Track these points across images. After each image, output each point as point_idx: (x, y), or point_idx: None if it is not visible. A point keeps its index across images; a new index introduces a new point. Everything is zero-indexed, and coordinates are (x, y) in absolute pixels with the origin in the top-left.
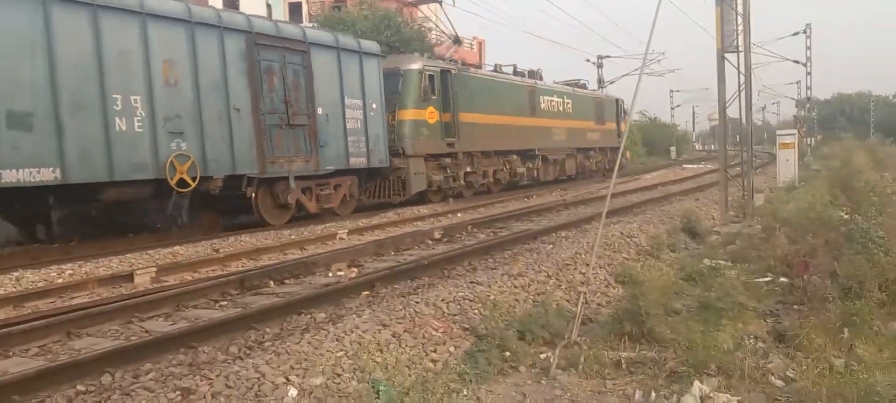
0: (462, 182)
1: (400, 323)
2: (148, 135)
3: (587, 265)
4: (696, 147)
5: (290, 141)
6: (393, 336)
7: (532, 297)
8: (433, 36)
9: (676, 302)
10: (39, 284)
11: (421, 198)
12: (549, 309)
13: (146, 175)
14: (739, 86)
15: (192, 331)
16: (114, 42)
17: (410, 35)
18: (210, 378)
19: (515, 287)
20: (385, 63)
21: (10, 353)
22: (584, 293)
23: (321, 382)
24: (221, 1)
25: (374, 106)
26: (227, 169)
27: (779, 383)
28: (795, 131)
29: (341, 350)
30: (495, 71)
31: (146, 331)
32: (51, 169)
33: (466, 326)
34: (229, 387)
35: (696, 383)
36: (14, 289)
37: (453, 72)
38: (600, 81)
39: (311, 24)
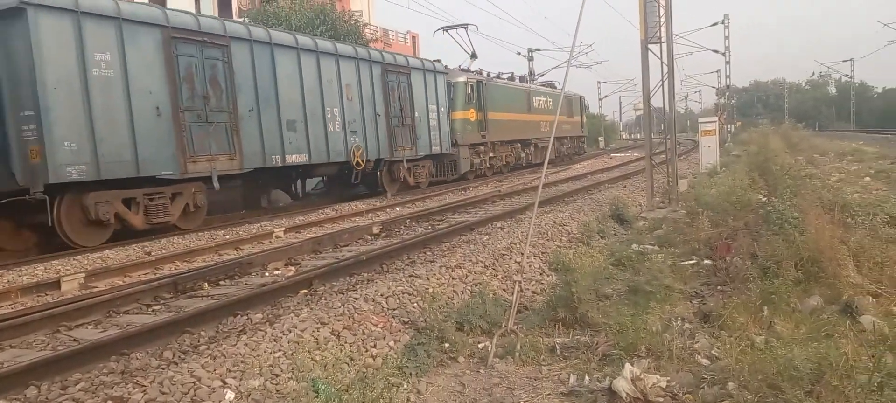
0: (488, 164)
1: (339, 321)
2: (341, 133)
3: (522, 254)
4: (624, 136)
5: (404, 136)
6: (332, 333)
7: (470, 288)
8: (368, 31)
9: (607, 286)
10: None
11: (462, 178)
12: (486, 299)
13: (342, 158)
14: (663, 75)
15: (123, 338)
16: (325, 75)
17: (346, 30)
18: (144, 385)
19: (453, 278)
20: None
21: None
22: (519, 282)
23: (259, 384)
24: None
25: (442, 110)
26: (374, 154)
27: (704, 361)
28: (716, 119)
29: (279, 350)
30: (510, 79)
31: (75, 340)
32: (304, 155)
33: (406, 320)
34: (164, 393)
35: (628, 365)
36: None
37: (483, 82)
38: (531, 74)
39: (240, 20)
